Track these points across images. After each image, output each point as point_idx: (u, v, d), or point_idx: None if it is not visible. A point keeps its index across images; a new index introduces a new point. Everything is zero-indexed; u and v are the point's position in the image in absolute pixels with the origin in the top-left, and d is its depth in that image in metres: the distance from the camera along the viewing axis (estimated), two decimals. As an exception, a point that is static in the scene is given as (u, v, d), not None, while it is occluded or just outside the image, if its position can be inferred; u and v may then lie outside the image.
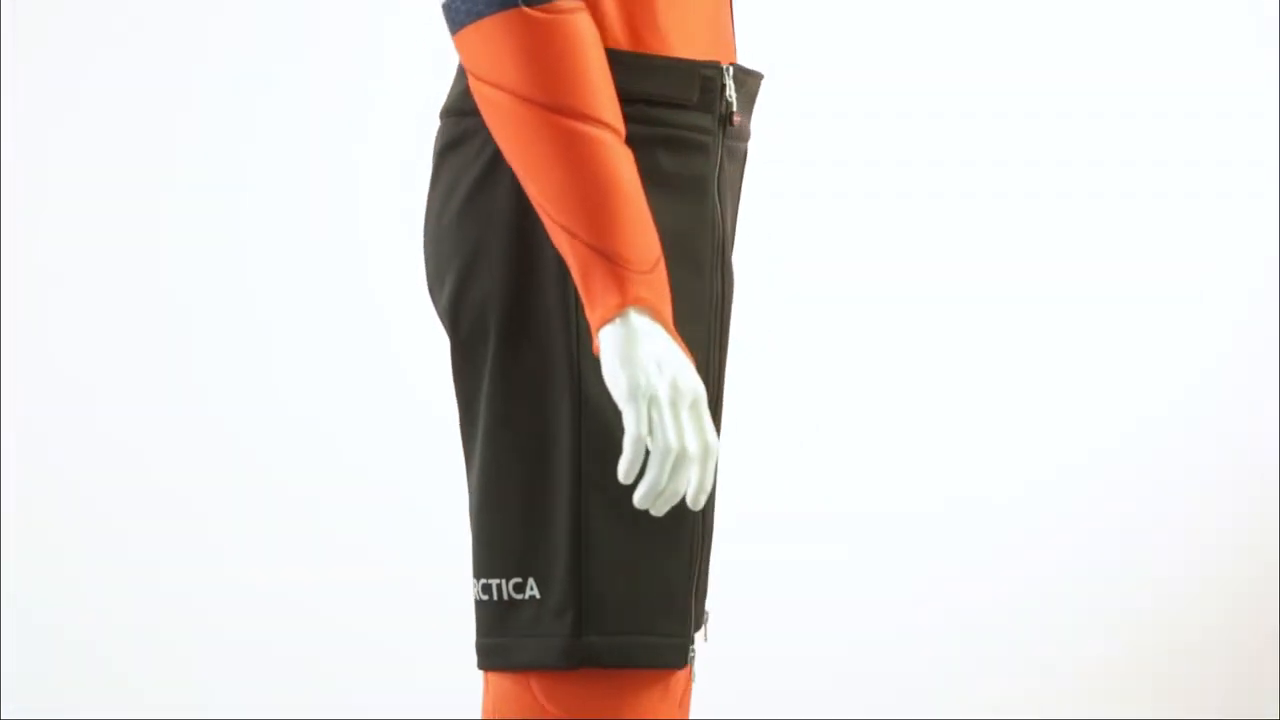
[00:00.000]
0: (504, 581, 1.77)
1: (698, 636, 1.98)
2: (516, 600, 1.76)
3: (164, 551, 3.75)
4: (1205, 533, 3.87)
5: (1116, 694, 3.74)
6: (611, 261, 1.67)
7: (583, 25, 1.67)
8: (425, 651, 3.54)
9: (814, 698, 3.68)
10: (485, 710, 1.80)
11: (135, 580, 3.73)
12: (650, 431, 1.66)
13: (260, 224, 3.82)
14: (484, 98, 1.70)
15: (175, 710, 3.63)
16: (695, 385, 1.67)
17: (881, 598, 3.80)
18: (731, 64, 1.81)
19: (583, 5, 1.68)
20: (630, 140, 1.73)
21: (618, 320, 1.67)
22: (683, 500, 1.75)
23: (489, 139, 1.77)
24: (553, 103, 1.67)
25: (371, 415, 3.77)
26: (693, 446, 1.66)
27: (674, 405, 1.66)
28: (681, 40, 1.78)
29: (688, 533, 1.77)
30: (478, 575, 1.79)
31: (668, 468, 1.66)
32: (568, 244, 1.68)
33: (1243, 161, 3.94)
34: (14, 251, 3.81)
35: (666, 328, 1.68)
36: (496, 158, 1.77)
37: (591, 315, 1.68)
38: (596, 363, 1.73)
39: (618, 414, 1.73)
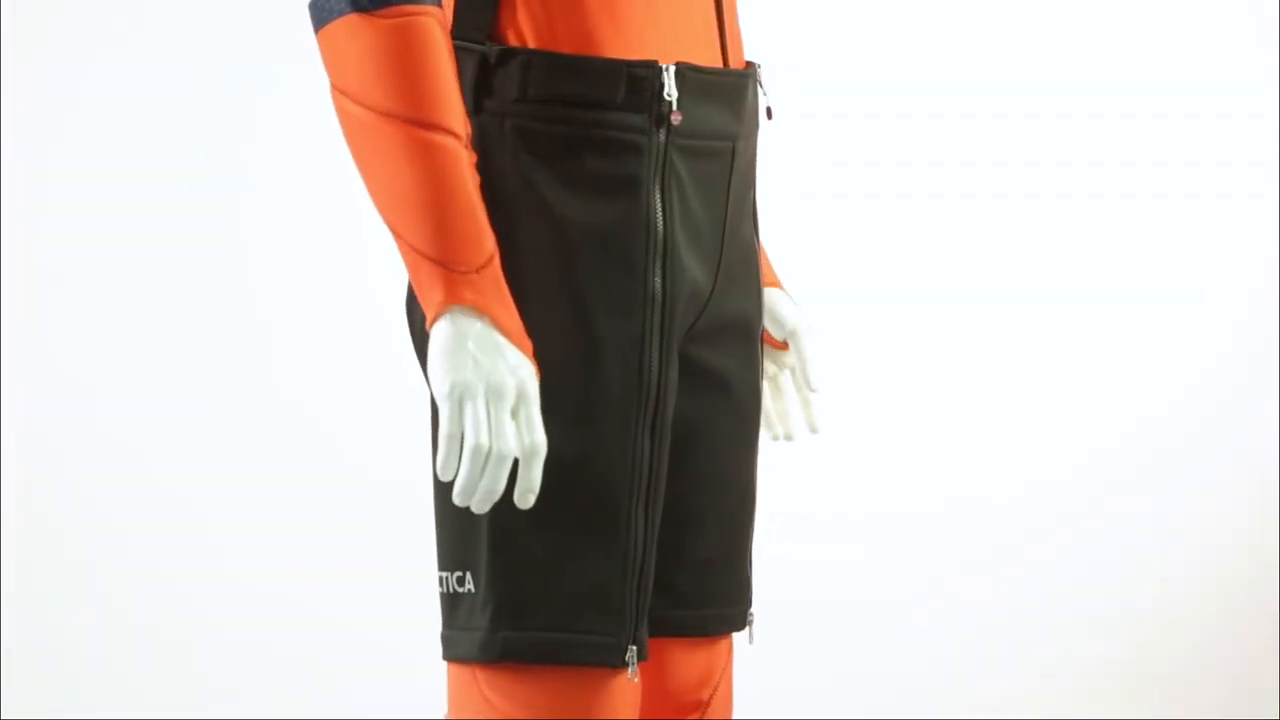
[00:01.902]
0: (449, 575, 1.82)
1: (742, 637, 1.98)
2: (459, 593, 1.82)
3: (164, 552, 3.75)
4: (1205, 533, 3.87)
5: (1117, 694, 3.74)
6: (433, 262, 1.70)
7: (420, 28, 1.70)
8: (425, 651, 3.54)
9: (814, 698, 3.68)
10: (447, 699, 1.85)
11: (135, 580, 3.73)
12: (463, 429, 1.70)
13: (261, 224, 3.82)
14: (332, 99, 1.75)
15: (175, 710, 3.63)
16: (519, 385, 1.70)
17: (882, 598, 3.80)
18: (678, 62, 1.80)
19: (426, 9, 1.71)
20: (551, 140, 1.77)
21: (444, 319, 1.71)
22: (618, 498, 1.78)
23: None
24: (378, 105, 1.71)
25: (372, 415, 3.77)
26: (506, 446, 1.69)
27: (488, 404, 1.69)
28: (614, 39, 1.79)
29: (622, 532, 1.78)
30: (437, 568, 1.85)
31: (477, 466, 1.69)
32: (396, 244, 1.73)
33: (1243, 162, 3.94)
34: (14, 251, 3.81)
35: (498, 326, 1.71)
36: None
37: (427, 315, 1.72)
38: None
39: None
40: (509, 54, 1.78)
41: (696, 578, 1.92)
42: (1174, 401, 3.92)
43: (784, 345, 2.08)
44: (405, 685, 3.61)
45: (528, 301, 1.77)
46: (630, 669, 1.80)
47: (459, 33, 1.82)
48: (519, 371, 1.71)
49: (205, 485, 3.77)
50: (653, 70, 1.78)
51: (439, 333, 1.71)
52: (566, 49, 1.78)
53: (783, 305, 2.07)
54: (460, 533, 1.81)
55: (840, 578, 3.77)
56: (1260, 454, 3.90)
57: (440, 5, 1.74)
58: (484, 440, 1.69)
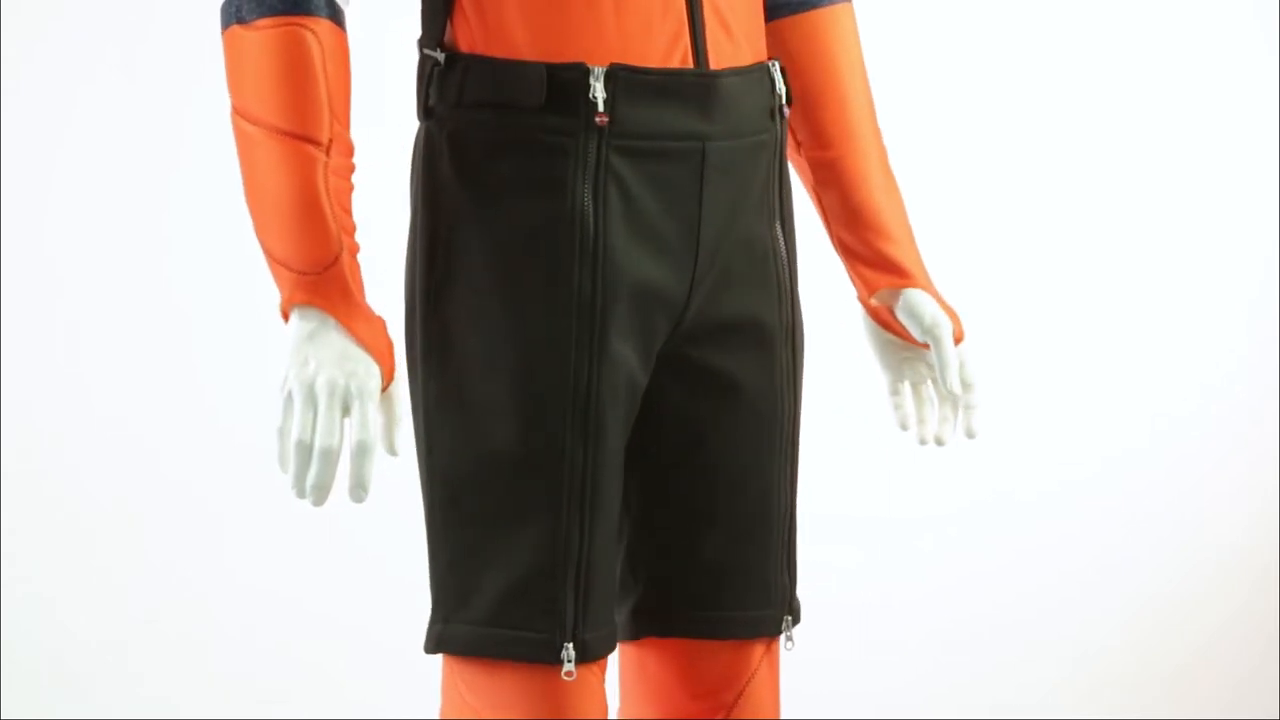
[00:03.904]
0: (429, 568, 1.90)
1: (782, 640, 1.98)
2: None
3: (166, 551, 3.75)
4: (1205, 534, 3.87)
5: (1118, 694, 3.74)
6: (278, 264, 1.77)
7: (288, 38, 1.77)
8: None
9: (824, 698, 3.68)
10: None
11: (136, 580, 3.73)
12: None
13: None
14: None
15: (177, 710, 3.63)
16: (351, 382, 1.76)
17: (886, 599, 3.80)
18: (613, 64, 1.81)
19: (299, 20, 1.77)
20: (482, 144, 1.81)
21: (292, 318, 1.77)
22: (544, 497, 1.81)
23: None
24: (242, 109, 1.80)
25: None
26: (325, 442, 1.74)
27: (315, 401, 1.75)
28: (550, 42, 1.81)
29: (549, 530, 1.81)
30: None
31: (302, 461, 1.75)
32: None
33: (1249, 162, 3.94)
34: (16, 250, 3.81)
35: (343, 326, 1.77)
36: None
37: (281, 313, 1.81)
38: (433, 367, 1.83)
39: (447, 415, 1.83)
40: (453, 60, 1.84)
41: (711, 580, 1.93)
42: (1172, 404, 3.92)
43: (926, 345, 2.07)
44: (407, 685, 3.61)
45: (463, 303, 1.82)
46: (565, 667, 1.82)
47: (422, 41, 1.88)
48: (355, 369, 1.76)
49: (208, 484, 3.77)
50: (578, 72, 1.80)
51: (287, 331, 1.78)
52: (504, 54, 1.82)
53: (919, 304, 2.05)
54: (426, 528, 1.89)
55: (846, 578, 3.77)
56: (1260, 454, 3.90)
57: (332, 17, 1.80)
58: (305, 436, 1.75)
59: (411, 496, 1.93)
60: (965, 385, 2.08)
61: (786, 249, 1.96)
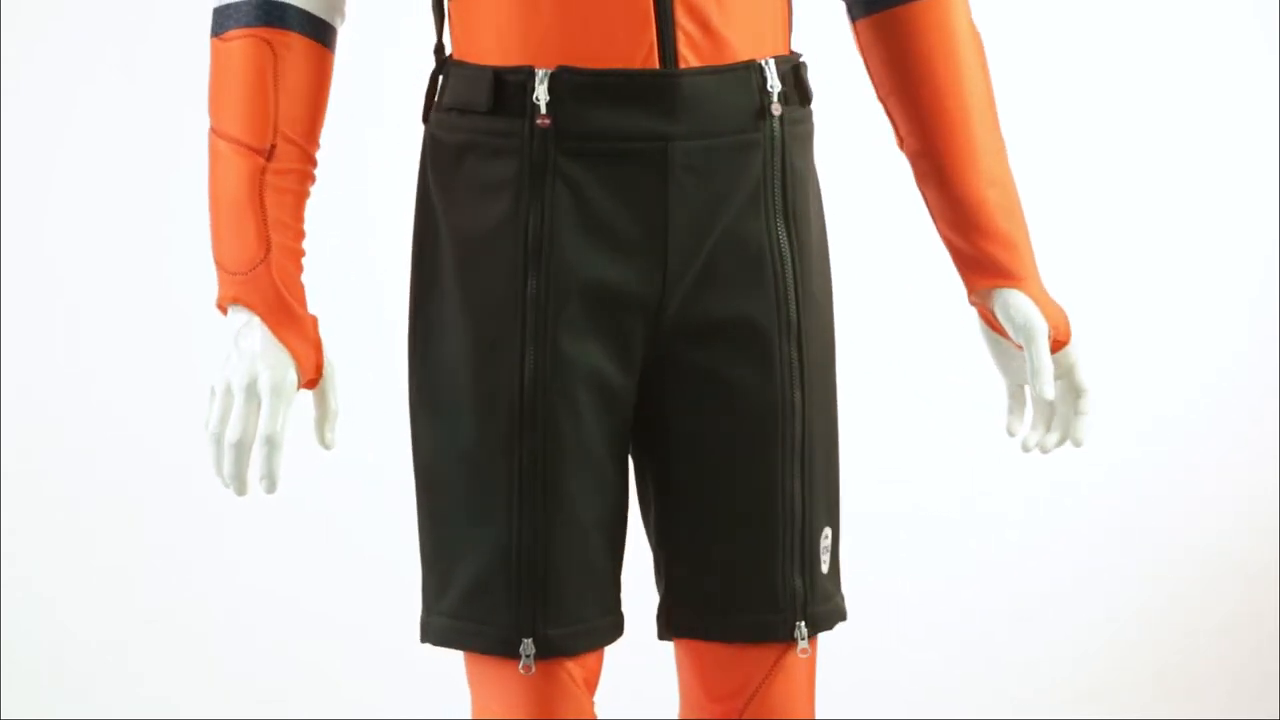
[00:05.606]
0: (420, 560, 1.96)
1: (803, 639, 1.96)
2: None
3: (166, 552, 3.76)
4: (1205, 533, 3.88)
5: (1117, 694, 3.74)
6: (214, 262, 1.86)
7: (243, 48, 1.85)
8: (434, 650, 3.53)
9: (825, 698, 3.68)
10: None
11: (136, 580, 3.74)
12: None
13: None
14: None
15: (176, 710, 3.63)
16: (261, 379, 1.84)
17: (888, 600, 3.80)
18: (561, 65, 1.81)
19: (255, 31, 1.84)
20: (446, 147, 1.87)
21: (228, 314, 1.85)
22: (494, 494, 1.84)
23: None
24: (210, 116, 1.87)
25: (384, 409, 3.76)
26: (233, 435, 1.83)
27: (228, 396, 1.84)
28: (507, 45, 1.84)
29: (500, 526, 1.84)
30: None
31: (219, 453, 1.85)
32: None
33: (1249, 161, 3.94)
34: (16, 250, 3.81)
35: (267, 325, 1.84)
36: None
37: None
38: (414, 367, 1.90)
39: (421, 414, 1.90)
40: (441, 65, 1.91)
41: (716, 582, 1.93)
42: (1172, 403, 3.92)
43: (1021, 348, 2.03)
44: (412, 683, 3.61)
45: (436, 305, 1.87)
46: (522, 661, 1.84)
47: (435, 47, 1.93)
48: (272, 365, 1.83)
49: (207, 484, 3.72)
50: (523, 74, 1.82)
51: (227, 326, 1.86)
52: (475, 58, 1.86)
53: (1013, 305, 2.01)
54: (416, 523, 1.94)
55: (854, 578, 3.76)
56: (1260, 454, 3.90)
57: (310, 32, 1.85)
58: (218, 429, 1.84)
59: (409, 496, 1.94)
60: (1077, 390, 2.04)
61: (792, 247, 1.91)
